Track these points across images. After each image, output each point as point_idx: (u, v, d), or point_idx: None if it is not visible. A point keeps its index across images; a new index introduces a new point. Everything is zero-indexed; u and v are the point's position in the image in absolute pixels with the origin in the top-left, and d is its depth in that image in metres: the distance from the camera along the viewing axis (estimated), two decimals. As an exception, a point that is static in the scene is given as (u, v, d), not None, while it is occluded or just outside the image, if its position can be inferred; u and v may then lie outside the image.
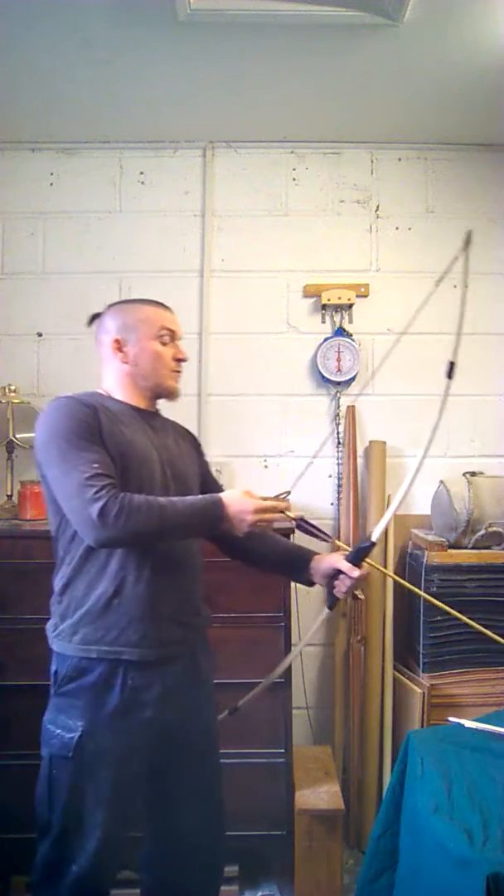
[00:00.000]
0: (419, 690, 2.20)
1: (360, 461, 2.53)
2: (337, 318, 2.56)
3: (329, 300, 2.53)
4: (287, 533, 1.85)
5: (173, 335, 1.52)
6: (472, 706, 2.11)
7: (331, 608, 1.54)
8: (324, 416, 2.56)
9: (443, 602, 2.12)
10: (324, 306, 2.55)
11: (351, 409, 2.53)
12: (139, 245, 2.57)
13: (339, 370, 2.51)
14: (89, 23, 1.86)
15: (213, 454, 2.55)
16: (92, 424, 1.35)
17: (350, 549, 1.49)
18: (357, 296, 2.54)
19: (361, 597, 2.36)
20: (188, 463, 1.56)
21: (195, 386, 2.54)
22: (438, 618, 2.15)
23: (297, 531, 1.63)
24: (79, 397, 1.41)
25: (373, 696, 2.36)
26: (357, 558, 1.46)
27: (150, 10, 1.81)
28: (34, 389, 2.49)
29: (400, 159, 2.61)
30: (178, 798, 1.49)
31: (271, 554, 1.62)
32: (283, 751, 2.03)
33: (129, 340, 1.48)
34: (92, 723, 1.34)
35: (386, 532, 2.45)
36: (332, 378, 2.52)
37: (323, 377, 2.52)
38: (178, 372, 1.53)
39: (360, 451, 2.53)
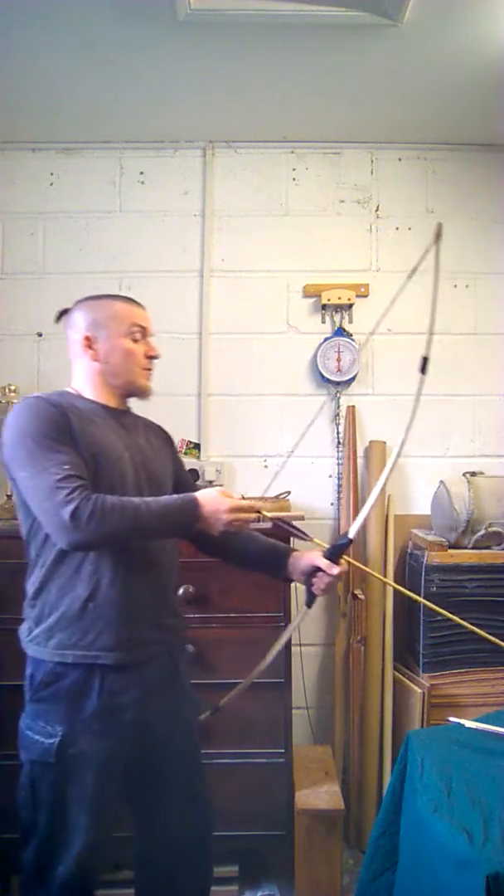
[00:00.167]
0: (419, 690, 2.20)
1: (360, 461, 2.53)
2: (337, 318, 2.56)
3: (329, 300, 2.53)
4: (286, 538, 1.84)
5: (144, 332, 1.50)
6: (472, 706, 2.11)
7: (309, 606, 1.53)
8: (324, 416, 2.56)
9: (443, 602, 2.14)
10: (324, 306, 2.55)
11: (351, 409, 2.53)
12: (139, 245, 2.57)
13: (339, 370, 2.51)
14: (89, 23, 1.86)
15: (213, 454, 2.56)
16: (61, 424, 1.32)
17: (327, 546, 1.48)
18: (357, 296, 2.54)
19: (361, 597, 2.36)
20: (161, 462, 1.54)
21: (195, 386, 2.55)
22: (438, 618, 2.14)
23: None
24: (47, 397, 1.38)
25: (373, 696, 2.36)
26: (334, 555, 1.44)
27: (150, 10, 1.82)
28: (34, 389, 2.48)
29: (400, 159, 2.61)
30: (162, 798, 1.49)
31: (250, 552, 1.60)
32: (283, 751, 2.03)
33: (100, 337, 1.45)
34: (71, 727, 1.33)
35: (386, 532, 2.46)
36: (332, 378, 2.52)
37: (323, 377, 2.52)
38: (150, 370, 1.51)
39: (360, 451, 2.53)
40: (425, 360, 1.46)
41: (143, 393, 1.51)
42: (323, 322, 2.57)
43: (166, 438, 1.65)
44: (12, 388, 2.34)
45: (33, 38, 1.93)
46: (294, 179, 2.60)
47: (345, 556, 1.46)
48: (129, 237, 2.57)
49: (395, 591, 2.39)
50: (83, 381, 1.48)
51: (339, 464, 2.55)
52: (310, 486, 2.53)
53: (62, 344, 2.70)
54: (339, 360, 2.51)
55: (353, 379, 2.53)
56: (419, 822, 1.32)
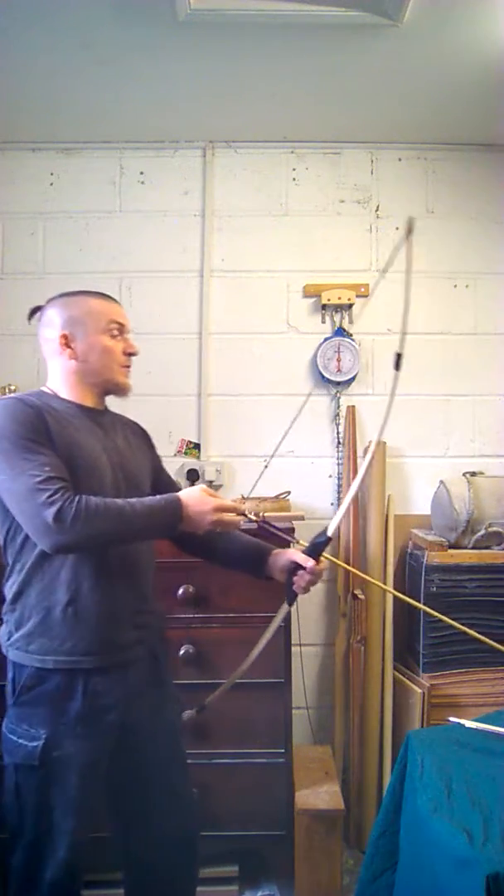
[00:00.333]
0: (419, 690, 2.20)
1: (360, 461, 2.53)
2: (337, 318, 2.56)
3: (329, 300, 2.53)
4: (286, 541, 1.83)
5: (122, 328, 1.47)
6: (472, 706, 2.12)
7: (290, 604, 1.52)
8: (324, 416, 2.56)
9: (443, 602, 2.14)
10: (324, 306, 2.55)
11: (351, 409, 2.53)
12: (139, 245, 2.57)
13: (339, 370, 2.51)
14: (89, 23, 1.86)
15: (213, 454, 2.56)
16: (38, 425, 1.30)
17: (307, 544, 1.47)
18: (357, 296, 2.53)
19: (361, 597, 2.36)
20: (139, 461, 1.52)
21: (195, 386, 2.55)
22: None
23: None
24: (23, 397, 1.36)
25: (373, 696, 2.36)
26: (314, 552, 1.44)
27: (150, 10, 1.81)
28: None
29: (400, 159, 2.60)
30: (147, 798, 1.49)
31: (231, 551, 1.58)
32: (283, 751, 2.03)
33: (77, 335, 1.42)
34: (55, 730, 1.31)
35: (386, 532, 2.46)
36: (332, 378, 2.52)
37: (323, 377, 2.52)
38: (129, 367, 1.48)
39: (360, 451, 2.53)
40: (399, 357, 1.46)
41: (122, 390, 1.48)
42: (323, 322, 2.56)
43: (144, 436, 1.63)
44: (12, 388, 2.34)
45: (33, 39, 1.93)
46: (294, 179, 2.60)
47: (328, 556, 1.46)
48: (129, 237, 2.57)
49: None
50: (59, 380, 1.45)
51: (339, 464, 2.55)
52: (310, 486, 2.53)
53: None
54: (339, 360, 2.51)
55: (353, 379, 2.53)
56: (419, 822, 1.32)
